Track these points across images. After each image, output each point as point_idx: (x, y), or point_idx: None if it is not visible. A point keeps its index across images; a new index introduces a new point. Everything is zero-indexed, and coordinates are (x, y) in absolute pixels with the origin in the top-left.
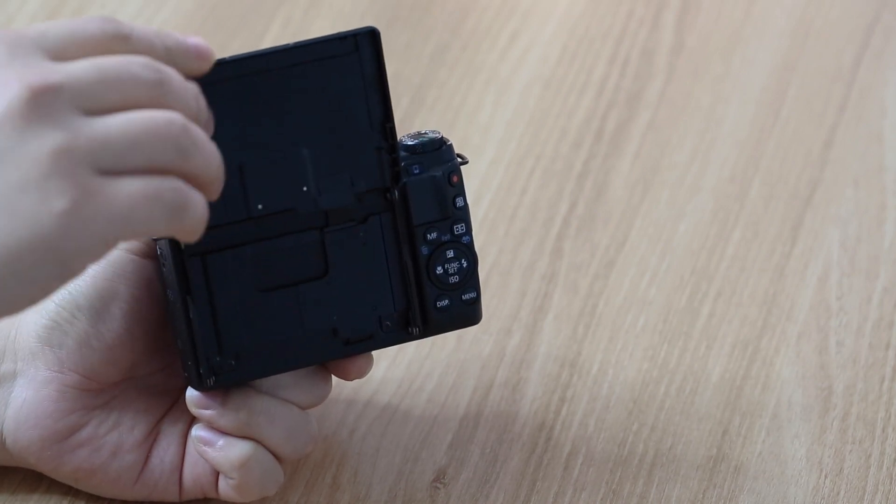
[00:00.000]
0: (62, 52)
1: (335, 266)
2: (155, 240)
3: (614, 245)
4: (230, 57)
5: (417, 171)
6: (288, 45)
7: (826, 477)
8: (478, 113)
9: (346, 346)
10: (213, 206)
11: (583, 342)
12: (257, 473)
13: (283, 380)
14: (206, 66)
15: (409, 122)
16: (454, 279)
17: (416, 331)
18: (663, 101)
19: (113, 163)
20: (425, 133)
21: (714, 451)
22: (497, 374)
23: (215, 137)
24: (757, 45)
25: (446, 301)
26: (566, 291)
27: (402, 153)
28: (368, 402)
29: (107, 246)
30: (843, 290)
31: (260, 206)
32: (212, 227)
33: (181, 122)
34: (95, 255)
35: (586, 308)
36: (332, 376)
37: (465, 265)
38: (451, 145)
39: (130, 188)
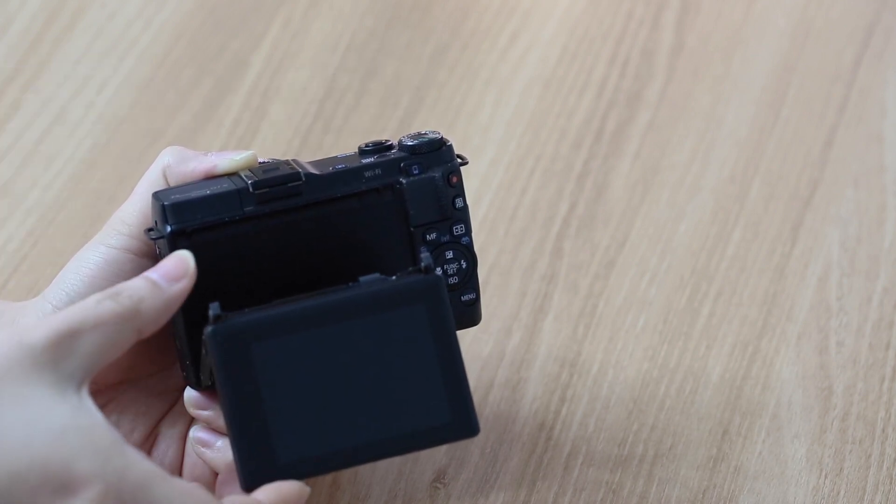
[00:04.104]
0: None
1: None
2: (154, 239)
3: (614, 245)
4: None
5: (417, 171)
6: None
7: (826, 477)
8: (478, 113)
9: None
10: None
11: (583, 342)
12: None
13: None
14: None
15: (409, 122)
16: (453, 280)
17: None
18: (663, 101)
19: None
20: (425, 133)
21: (714, 451)
22: (497, 375)
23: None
24: (757, 45)
25: None
26: (566, 291)
27: (402, 153)
28: None
29: None
30: (843, 290)
31: None
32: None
33: None
34: None
35: (586, 308)
36: None
37: (464, 266)
38: (450, 146)
39: None
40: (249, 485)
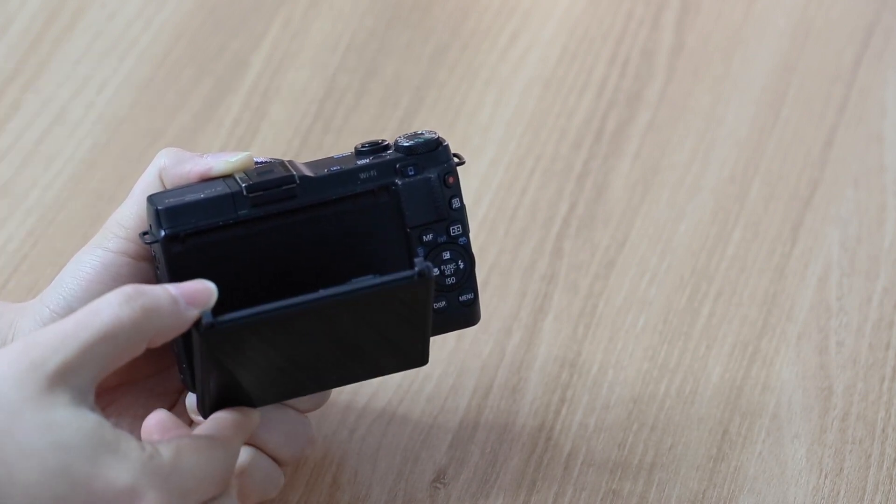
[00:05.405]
0: None
1: None
2: (149, 243)
3: (614, 245)
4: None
5: (412, 172)
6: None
7: (826, 477)
8: (478, 113)
9: None
10: None
11: (583, 342)
12: (257, 478)
13: None
14: None
15: (409, 122)
16: (451, 280)
17: None
18: (663, 101)
19: None
20: (421, 133)
21: (714, 451)
22: (497, 375)
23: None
24: (757, 45)
25: (443, 303)
26: (566, 291)
27: (398, 154)
28: (368, 402)
29: None
30: (843, 290)
31: None
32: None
33: None
34: None
35: (586, 308)
36: None
37: (461, 266)
38: (447, 146)
39: None
40: (208, 413)
